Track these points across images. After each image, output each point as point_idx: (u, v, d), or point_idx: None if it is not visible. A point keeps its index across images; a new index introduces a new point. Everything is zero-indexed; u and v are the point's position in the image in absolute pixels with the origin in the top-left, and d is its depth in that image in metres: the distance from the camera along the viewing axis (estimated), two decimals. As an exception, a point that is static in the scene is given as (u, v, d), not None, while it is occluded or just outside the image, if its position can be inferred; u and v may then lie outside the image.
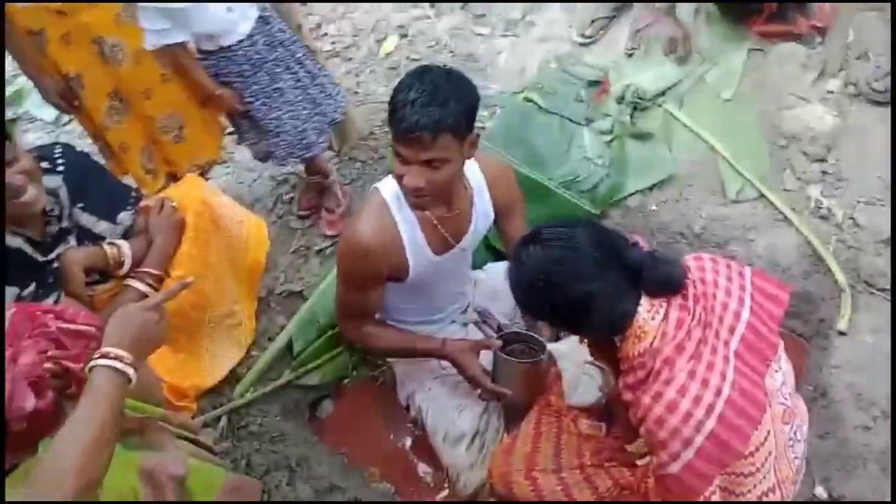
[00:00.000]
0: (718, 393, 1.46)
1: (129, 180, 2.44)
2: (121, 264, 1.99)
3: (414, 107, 1.65)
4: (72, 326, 1.45)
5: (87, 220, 2.00)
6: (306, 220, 3.01)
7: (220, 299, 2.34)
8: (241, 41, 2.44)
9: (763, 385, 1.53)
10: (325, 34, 4.03)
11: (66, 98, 2.47)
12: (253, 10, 2.45)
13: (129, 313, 1.40)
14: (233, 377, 2.49)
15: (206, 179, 3.03)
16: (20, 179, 1.74)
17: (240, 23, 2.42)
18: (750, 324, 1.58)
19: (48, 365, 1.33)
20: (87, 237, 2.00)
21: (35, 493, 1.18)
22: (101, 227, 2.02)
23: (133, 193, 2.17)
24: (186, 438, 1.83)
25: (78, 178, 1.99)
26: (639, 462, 1.67)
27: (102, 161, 2.57)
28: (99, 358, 1.32)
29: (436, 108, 1.65)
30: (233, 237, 2.36)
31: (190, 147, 2.66)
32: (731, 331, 1.55)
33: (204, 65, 2.50)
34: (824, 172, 2.58)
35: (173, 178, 2.68)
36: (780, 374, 1.65)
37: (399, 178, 1.80)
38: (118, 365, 1.32)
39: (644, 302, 1.54)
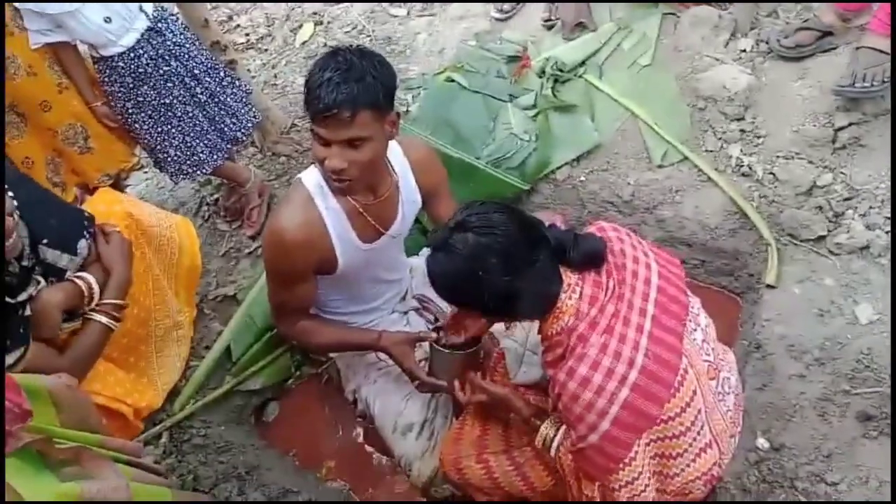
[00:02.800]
0: (631, 364, 1.50)
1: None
2: (91, 299, 1.87)
3: (330, 85, 1.61)
4: None
5: (52, 255, 1.82)
6: (233, 223, 2.92)
7: (163, 311, 2.25)
8: (122, 53, 2.35)
9: (680, 347, 1.57)
10: (238, 26, 3.91)
11: None
12: (140, 22, 2.35)
13: None
14: (172, 390, 2.41)
15: (125, 187, 2.92)
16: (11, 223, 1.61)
17: (121, 35, 2.33)
18: (660, 287, 1.61)
19: None
20: (51, 273, 1.82)
21: None
22: (63, 260, 1.85)
23: (85, 215, 1.97)
24: (127, 462, 1.76)
25: (36, 209, 1.81)
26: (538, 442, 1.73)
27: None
28: None
29: (352, 84, 1.61)
30: (164, 245, 2.26)
31: (98, 157, 2.54)
32: (645, 297, 1.58)
33: (94, 70, 2.45)
34: (742, 131, 2.63)
35: (84, 188, 2.56)
36: (700, 331, 1.69)
37: (321, 162, 1.76)
38: None
39: (563, 283, 1.55)
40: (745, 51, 2.84)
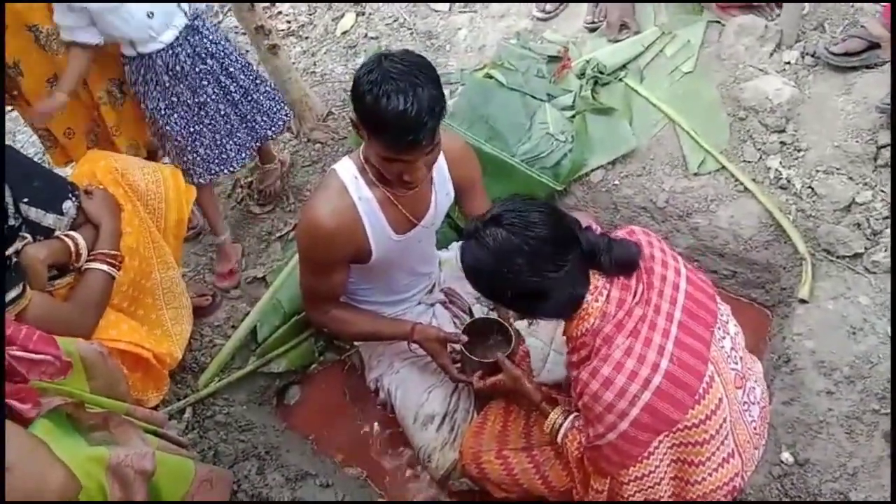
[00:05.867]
0: (656, 368, 1.50)
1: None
2: (79, 256, 1.93)
3: (408, 116, 1.59)
4: (25, 355, 1.42)
5: (35, 214, 1.91)
6: (266, 206, 2.95)
7: (165, 262, 2.23)
8: (161, 50, 2.33)
9: (706, 354, 1.56)
10: (280, 13, 3.94)
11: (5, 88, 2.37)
12: (179, 19, 2.34)
13: None
14: (197, 367, 2.44)
15: (160, 158, 2.94)
16: None
17: (161, 31, 2.31)
18: (689, 293, 1.61)
19: None
20: (38, 231, 1.91)
21: None
22: (49, 219, 1.94)
23: (69, 181, 2.06)
24: (153, 432, 1.78)
25: (17, 173, 1.89)
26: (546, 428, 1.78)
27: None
28: None
29: (427, 116, 1.61)
30: (151, 199, 2.22)
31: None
32: (673, 302, 1.58)
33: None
34: (783, 143, 2.60)
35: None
36: (728, 339, 1.68)
37: (399, 178, 1.77)
38: None
39: (590, 285, 1.55)
40: (789, 63, 2.80)
